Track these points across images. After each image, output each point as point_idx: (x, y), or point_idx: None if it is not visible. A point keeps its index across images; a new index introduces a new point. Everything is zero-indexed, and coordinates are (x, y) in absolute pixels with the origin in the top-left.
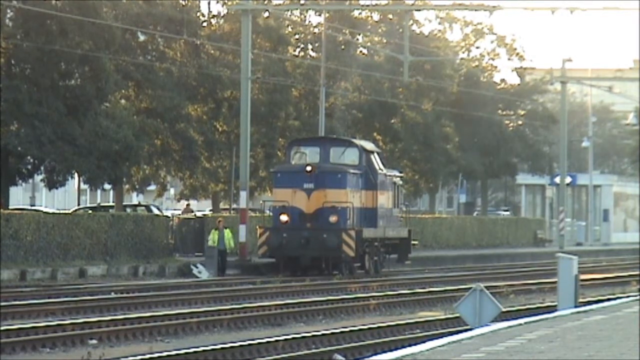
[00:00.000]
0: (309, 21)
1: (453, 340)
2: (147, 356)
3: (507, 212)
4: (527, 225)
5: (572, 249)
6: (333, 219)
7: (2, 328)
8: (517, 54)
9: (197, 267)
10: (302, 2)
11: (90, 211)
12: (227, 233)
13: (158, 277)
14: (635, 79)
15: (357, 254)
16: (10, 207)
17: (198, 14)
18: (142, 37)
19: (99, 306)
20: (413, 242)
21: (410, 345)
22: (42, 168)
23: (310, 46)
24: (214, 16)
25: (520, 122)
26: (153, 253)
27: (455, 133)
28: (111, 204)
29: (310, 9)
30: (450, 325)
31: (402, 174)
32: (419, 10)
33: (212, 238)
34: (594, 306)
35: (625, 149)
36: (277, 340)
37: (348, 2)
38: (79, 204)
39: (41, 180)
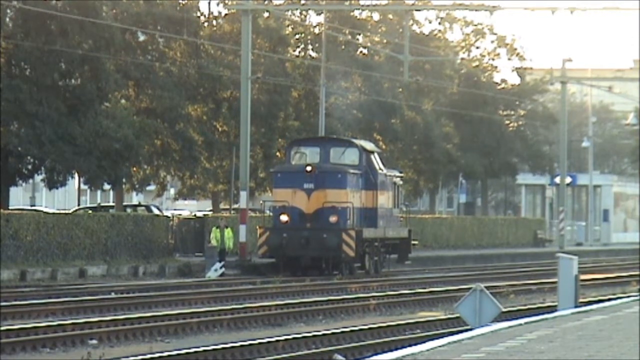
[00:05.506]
0: (309, 21)
1: (453, 340)
2: (147, 356)
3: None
4: (527, 226)
5: (572, 249)
6: (333, 219)
7: (2, 328)
8: (517, 54)
9: (220, 263)
10: (302, 2)
11: (90, 211)
12: (228, 232)
13: (158, 277)
14: (635, 79)
15: (357, 254)
16: (10, 207)
17: (198, 14)
18: (142, 37)
19: (99, 306)
20: (413, 242)
21: (410, 345)
22: (42, 168)
23: (310, 46)
24: (214, 17)
25: (520, 122)
26: (153, 253)
27: (455, 133)
28: (111, 204)
29: (310, 9)
30: (451, 325)
31: (402, 174)
32: (419, 10)
33: (215, 236)
34: (594, 306)
35: (625, 149)
36: (277, 340)
37: (348, 2)
38: (79, 204)
39: (41, 180)
